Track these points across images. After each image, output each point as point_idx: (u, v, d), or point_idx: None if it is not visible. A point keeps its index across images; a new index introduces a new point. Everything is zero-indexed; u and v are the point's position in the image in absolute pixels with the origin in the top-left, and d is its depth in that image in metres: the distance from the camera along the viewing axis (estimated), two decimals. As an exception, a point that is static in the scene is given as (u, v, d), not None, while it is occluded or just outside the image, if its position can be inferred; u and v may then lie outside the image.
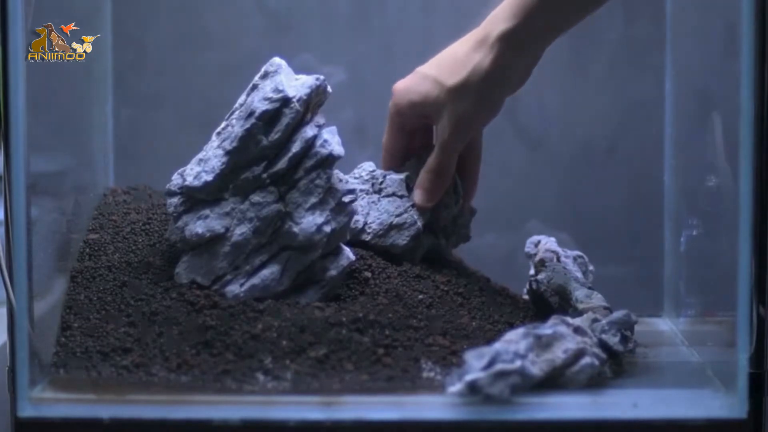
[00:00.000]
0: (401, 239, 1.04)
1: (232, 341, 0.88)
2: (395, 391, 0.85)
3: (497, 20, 0.96)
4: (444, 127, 0.99)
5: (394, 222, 1.04)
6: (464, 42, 0.99)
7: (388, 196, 1.06)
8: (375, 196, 1.06)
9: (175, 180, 0.95)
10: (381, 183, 1.06)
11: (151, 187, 1.16)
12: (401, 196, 1.05)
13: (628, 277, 1.25)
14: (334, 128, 0.97)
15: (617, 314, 0.94)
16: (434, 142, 1.03)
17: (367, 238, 1.04)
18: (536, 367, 0.84)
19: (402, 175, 1.06)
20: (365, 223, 1.04)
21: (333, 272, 0.96)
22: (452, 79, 0.98)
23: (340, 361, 0.87)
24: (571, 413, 0.83)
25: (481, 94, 0.97)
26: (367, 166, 1.08)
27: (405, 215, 1.04)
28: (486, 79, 0.96)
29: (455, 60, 0.98)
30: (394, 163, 1.06)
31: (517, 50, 0.96)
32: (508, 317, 1.00)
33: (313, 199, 0.94)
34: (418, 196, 1.03)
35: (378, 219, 1.04)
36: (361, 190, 1.05)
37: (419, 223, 1.04)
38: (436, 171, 1.02)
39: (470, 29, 1.00)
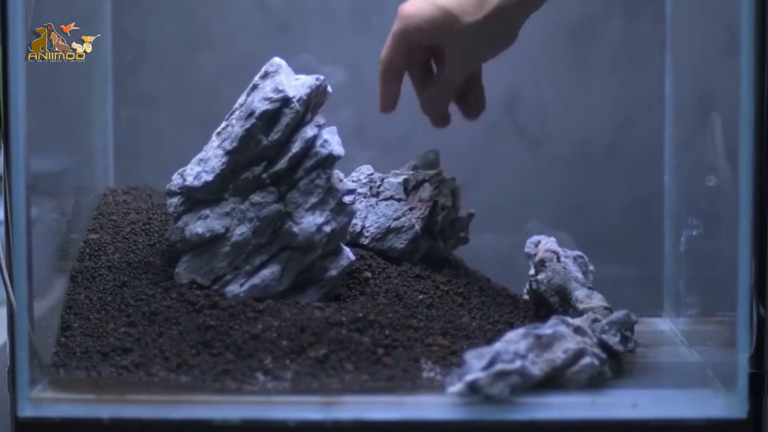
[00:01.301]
0: (399, 243, 1.04)
1: (232, 341, 0.88)
2: (395, 391, 0.85)
3: None
4: (451, 61, 1.00)
5: (392, 225, 1.04)
6: None
7: (386, 199, 1.05)
8: (373, 200, 1.06)
9: (175, 180, 0.95)
10: (379, 186, 1.06)
11: (151, 187, 1.16)
12: (399, 200, 1.05)
13: (628, 277, 1.25)
14: (334, 128, 0.97)
15: (617, 314, 0.94)
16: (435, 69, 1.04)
17: (365, 241, 1.04)
18: (536, 367, 0.84)
19: (400, 179, 1.06)
20: (363, 227, 1.04)
21: (333, 272, 0.96)
22: (470, 16, 0.98)
23: (340, 361, 0.87)
24: (571, 413, 0.83)
25: (495, 30, 0.98)
26: (365, 170, 1.08)
27: (403, 219, 1.04)
28: (501, 16, 0.98)
29: None
30: (392, 78, 1.04)
31: None
32: (508, 317, 1.00)
33: (313, 199, 0.94)
34: (426, 113, 1.06)
35: (376, 222, 1.04)
36: (359, 194, 1.05)
37: (417, 227, 1.04)
38: (433, 98, 1.04)
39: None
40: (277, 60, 0.96)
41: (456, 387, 0.82)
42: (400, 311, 0.94)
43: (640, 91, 1.28)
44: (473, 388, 0.81)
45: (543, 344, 0.85)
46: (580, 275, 1.06)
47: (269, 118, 0.93)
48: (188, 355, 0.88)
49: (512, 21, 0.99)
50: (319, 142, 0.95)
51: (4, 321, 0.86)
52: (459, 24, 0.98)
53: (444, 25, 0.99)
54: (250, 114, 0.93)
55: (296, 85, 0.94)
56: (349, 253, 0.97)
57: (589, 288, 1.02)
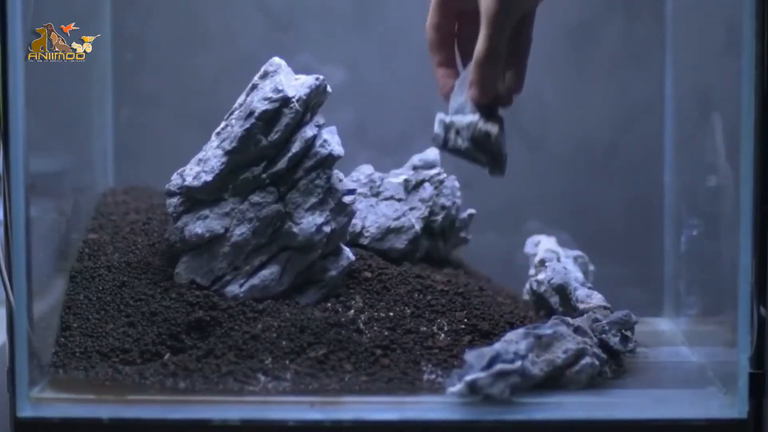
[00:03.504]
0: (399, 243, 1.04)
1: (232, 342, 0.88)
2: (395, 391, 0.85)
3: None
4: (487, 7, 0.87)
5: (392, 225, 1.04)
6: None
7: (386, 199, 1.05)
8: (373, 200, 1.06)
9: (175, 180, 0.95)
10: (379, 186, 1.06)
11: (151, 187, 1.16)
12: (399, 200, 1.05)
13: (628, 277, 1.25)
14: (333, 128, 0.97)
15: (617, 314, 0.94)
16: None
17: (365, 241, 1.04)
18: (536, 367, 0.84)
19: (400, 179, 1.06)
20: (363, 227, 1.04)
21: (333, 272, 0.96)
22: None
23: (339, 362, 0.87)
24: (571, 413, 0.83)
25: None
26: (365, 170, 1.08)
27: (403, 219, 1.04)
28: None
29: None
30: (439, 48, 0.94)
31: None
32: (508, 317, 0.99)
33: (312, 199, 0.94)
34: (472, 91, 0.90)
35: (376, 223, 1.04)
36: (359, 194, 1.04)
37: (417, 227, 1.04)
38: (484, 55, 0.88)
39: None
40: (276, 60, 0.95)
41: (456, 387, 0.82)
42: (399, 311, 0.94)
43: (640, 91, 1.28)
44: (473, 388, 0.81)
45: (543, 344, 0.85)
46: (580, 275, 1.06)
47: (269, 118, 0.93)
48: (188, 356, 0.88)
49: None
50: (318, 142, 0.95)
51: (4, 321, 0.86)
52: None
53: None
54: (250, 114, 0.93)
55: (296, 85, 0.94)
56: (349, 253, 0.97)
57: (589, 288, 1.02)
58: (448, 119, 0.91)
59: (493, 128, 0.89)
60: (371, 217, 1.05)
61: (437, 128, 0.91)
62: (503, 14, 0.88)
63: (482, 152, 0.90)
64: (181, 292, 0.93)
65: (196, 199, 0.94)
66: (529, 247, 1.14)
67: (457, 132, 0.90)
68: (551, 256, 1.08)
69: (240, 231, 0.93)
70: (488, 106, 0.90)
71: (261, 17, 1.29)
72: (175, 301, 0.92)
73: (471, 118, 0.89)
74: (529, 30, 0.92)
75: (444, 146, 0.91)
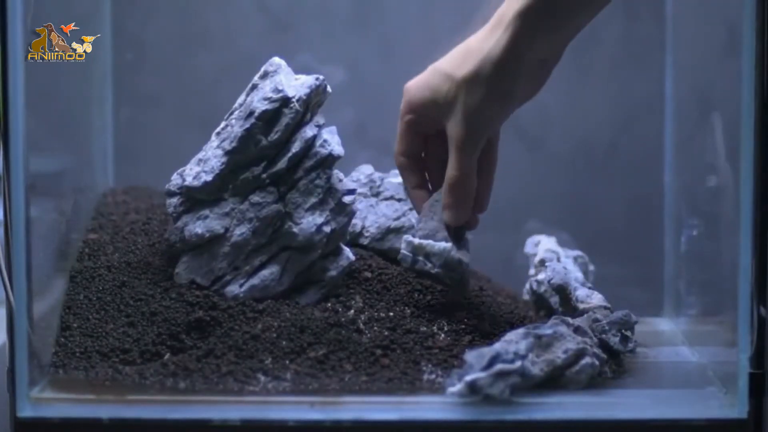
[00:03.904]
0: (399, 243, 1.04)
1: (232, 342, 0.88)
2: (395, 391, 0.85)
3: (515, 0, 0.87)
4: (456, 125, 0.90)
5: (392, 226, 1.04)
6: (480, 31, 0.91)
7: (386, 199, 1.05)
8: (373, 200, 1.06)
9: (175, 180, 0.95)
10: (379, 186, 1.06)
11: (151, 187, 1.16)
12: (399, 200, 1.05)
13: (628, 277, 1.25)
14: (334, 128, 0.97)
15: (617, 314, 0.94)
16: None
17: (365, 242, 1.04)
18: (536, 367, 0.84)
19: (400, 179, 1.06)
20: (363, 227, 1.04)
21: (333, 272, 0.96)
22: (462, 69, 0.89)
23: (339, 362, 0.87)
24: (571, 413, 0.83)
25: (492, 83, 0.88)
26: (365, 169, 1.08)
27: (403, 219, 1.04)
28: (498, 65, 0.87)
29: (468, 50, 0.90)
30: (411, 173, 0.97)
31: (533, 32, 0.86)
32: (508, 317, 0.99)
33: (312, 200, 0.94)
34: (445, 215, 0.93)
35: (376, 223, 1.04)
36: (359, 194, 1.04)
37: (417, 227, 1.04)
38: (456, 181, 0.92)
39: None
40: (276, 60, 0.95)
41: (456, 387, 0.82)
42: (399, 311, 0.94)
43: (640, 91, 1.28)
44: (473, 388, 0.81)
45: (543, 344, 0.85)
46: (580, 275, 1.06)
47: (269, 118, 0.93)
48: (188, 356, 0.88)
49: (504, 79, 0.88)
50: (318, 142, 0.95)
51: (4, 321, 0.86)
52: (454, 80, 0.90)
53: (442, 85, 0.91)
54: (250, 114, 0.93)
55: (296, 84, 0.94)
56: (349, 254, 0.97)
57: (589, 288, 1.02)
58: (416, 241, 0.94)
59: (465, 257, 0.94)
60: (371, 217, 1.05)
61: (405, 249, 0.94)
62: (472, 140, 0.90)
63: (449, 277, 0.94)
64: (181, 292, 0.93)
65: (196, 199, 0.94)
66: (529, 247, 1.14)
67: (427, 256, 0.93)
68: (551, 256, 1.08)
69: (240, 231, 0.93)
70: (459, 228, 0.94)
71: (261, 17, 1.29)
72: (175, 301, 0.92)
73: (443, 245, 0.93)
74: (494, 150, 0.95)
75: (412, 267, 0.94)
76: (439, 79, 0.91)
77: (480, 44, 0.89)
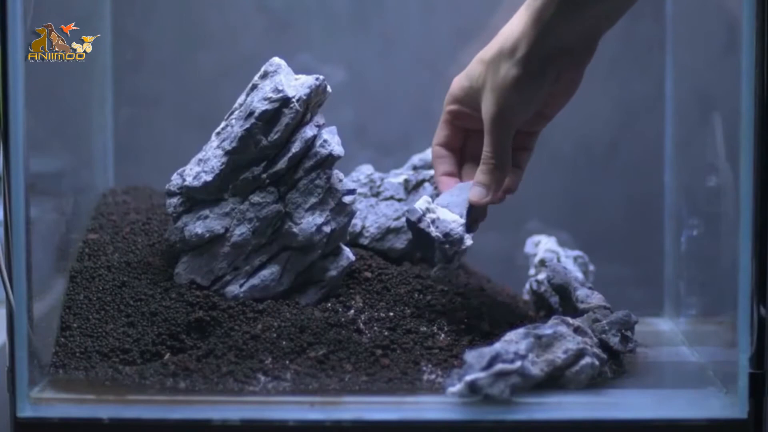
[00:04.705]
0: (399, 243, 1.04)
1: (232, 342, 0.88)
2: (395, 391, 0.85)
3: None
4: (487, 103, 0.90)
5: (392, 225, 1.04)
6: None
7: (386, 199, 1.05)
8: (373, 200, 1.06)
9: (175, 180, 0.95)
10: (379, 186, 1.06)
11: (151, 187, 1.16)
12: (399, 200, 1.05)
13: (628, 277, 1.25)
14: (334, 128, 0.97)
15: (617, 314, 0.94)
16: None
17: (365, 241, 1.04)
18: (536, 367, 0.84)
19: (400, 179, 1.06)
20: (363, 227, 1.04)
21: (333, 272, 0.96)
22: (490, 51, 0.90)
23: (339, 362, 0.87)
24: (571, 413, 0.83)
25: (513, 59, 0.88)
26: (365, 169, 1.08)
27: (403, 219, 1.04)
28: (517, 41, 0.88)
29: (498, 34, 0.91)
30: (443, 163, 0.97)
31: (552, 9, 0.86)
32: (508, 317, 0.99)
33: (312, 200, 0.94)
34: (473, 192, 0.93)
35: (376, 223, 1.04)
36: (359, 194, 1.04)
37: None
38: (488, 158, 0.91)
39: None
40: (276, 60, 0.95)
41: (456, 387, 0.82)
42: (399, 311, 0.94)
43: (640, 91, 1.28)
44: (473, 388, 0.81)
45: (543, 344, 0.85)
46: (580, 275, 1.06)
47: (269, 118, 0.93)
48: (188, 356, 0.88)
49: (532, 55, 0.88)
50: (318, 142, 0.95)
51: (4, 321, 0.86)
52: (483, 62, 0.91)
53: (476, 70, 0.92)
54: (250, 114, 0.93)
55: (296, 84, 0.94)
56: (349, 254, 0.97)
57: (589, 288, 1.02)
58: (433, 204, 0.93)
59: (468, 240, 0.93)
60: (371, 217, 1.05)
61: (420, 204, 0.93)
62: (503, 116, 0.90)
63: (443, 249, 0.92)
64: (181, 292, 0.93)
65: (196, 199, 0.94)
66: (529, 247, 1.14)
67: (434, 222, 0.92)
68: (551, 256, 1.08)
69: (240, 231, 0.93)
70: (475, 217, 0.94)
71: (261, 17, 1.29)
72: (175, 301, 0.92)
73: (456, 216, 0.92)
74: (532, 144, 0.97)
75: (416, 223, 0.93)
76: (474, 65, 0.92)
77: (506, 27, 0.90)
